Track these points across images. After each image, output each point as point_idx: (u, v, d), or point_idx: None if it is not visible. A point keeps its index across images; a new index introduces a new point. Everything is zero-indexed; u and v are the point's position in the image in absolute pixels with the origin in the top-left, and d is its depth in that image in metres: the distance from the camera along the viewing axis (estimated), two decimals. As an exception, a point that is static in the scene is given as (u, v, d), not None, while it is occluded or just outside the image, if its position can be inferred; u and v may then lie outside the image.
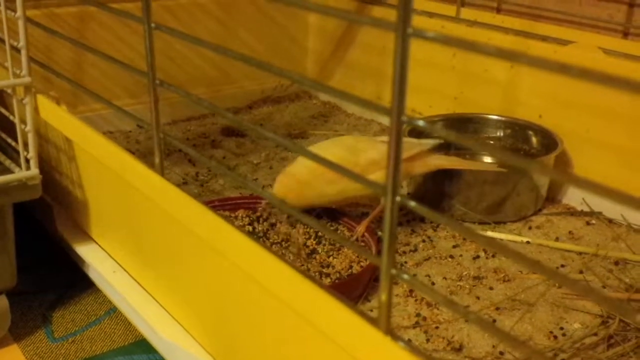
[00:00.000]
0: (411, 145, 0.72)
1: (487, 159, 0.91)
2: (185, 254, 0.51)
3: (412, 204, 0.31)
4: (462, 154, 0.91)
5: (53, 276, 0.76)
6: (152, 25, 0.46)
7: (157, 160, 0.49)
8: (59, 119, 0.60)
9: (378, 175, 0.66)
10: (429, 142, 0.73)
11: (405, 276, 0.32)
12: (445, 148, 0.91)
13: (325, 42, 1.19)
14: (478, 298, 0.65)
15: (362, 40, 1.12)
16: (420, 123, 0.32)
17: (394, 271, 0.31)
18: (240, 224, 0.72)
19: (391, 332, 0.32)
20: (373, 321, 0.32)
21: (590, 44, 0.83)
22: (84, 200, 0.66)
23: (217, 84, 1.13)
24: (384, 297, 0.32)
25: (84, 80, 0.98)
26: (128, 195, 0.57)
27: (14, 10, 0.56)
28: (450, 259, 0.71)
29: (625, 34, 0.83)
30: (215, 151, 0.98)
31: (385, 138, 0.73)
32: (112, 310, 0.70)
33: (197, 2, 1.07)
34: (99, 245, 0.67)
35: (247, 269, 0.41)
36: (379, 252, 0.64)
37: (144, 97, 1.04)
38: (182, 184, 0.86)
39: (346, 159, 0.67)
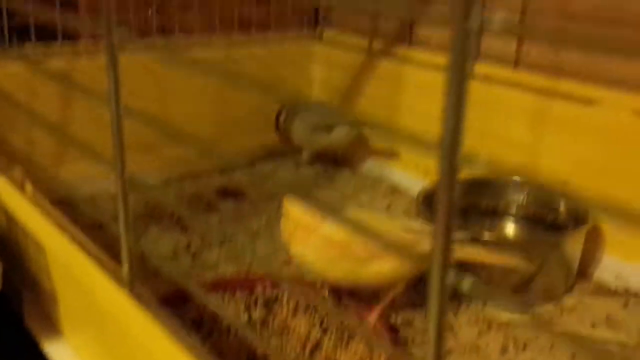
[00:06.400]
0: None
1: (511, 225, 0.83)
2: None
3: (468, 284, 0.24)
4: (483, 221, 0.83)
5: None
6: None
7: (125, 269, 0.40)
8: (19, 207, 0.52)
9: (393, 265, 0.58)
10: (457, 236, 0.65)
11: None
12: (463, 214, 0.83)
13: (330, 95, 1.12)
14: (509, 402, 0.56)
15: (369, 93, 1.06)
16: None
17: None
18: (235, 308, 0.63)
19: None
20: None
21: (620, 104, 0.76)
22: (52, 292, 0.57)
23: (216, 140, 1.06)
24: None
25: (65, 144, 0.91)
26: (93, 302, 0.48)
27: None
28: (475, 353, 0.62)
29: (660, 95, 0.76)
30: (210, 215, 0.90)
31: (402, 222, 0.65)
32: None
33: (197, 58, 1.01)
34: (68, 342, 0.59)
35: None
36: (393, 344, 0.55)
37: (134, 156, 0.98)
38: (172, 257, 0.78)
39: (357, 238, 0.59)
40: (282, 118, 1.04)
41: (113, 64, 0.38)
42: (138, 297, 0.39)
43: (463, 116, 0.23)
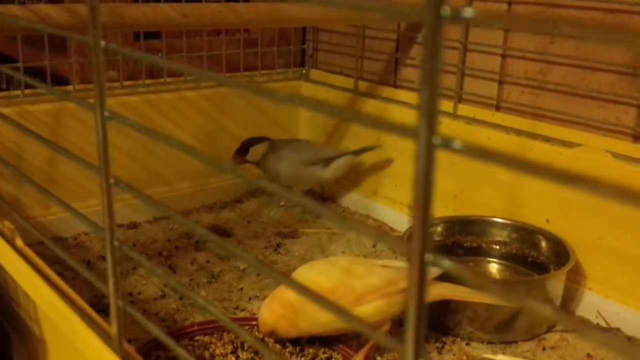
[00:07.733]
0: None
1: (494, 264, 0.85)
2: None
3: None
4: (466, 260, 0.85)
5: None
6: (106, 114, 0.38)
7: (114, 329, 0.40)
8: (9, 260, 0.52)
9: (378, 305, 0.59)
10: (434, 271, 0.66)
11: None
12: (446, 252, 0.85)
13: (316, 134, 1.14)
14: None
15: (355, 132, 1.08)
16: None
17: None
18: (222, 352, 0.64)
19: None
20: None
21: (598, 147, 0.79)
22: (41, 340, 0.58)
23: (204, 176, 1.07)
24: None
25: (59, 178, 0.92)
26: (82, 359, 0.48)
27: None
28: (459, 394, 0.63)
29: (636, 138, 0.79)
30: (198, 254, 0.90)
31: (383, 261, 0.66)
32: None
33: (183, 96, 1.03)
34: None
35: None
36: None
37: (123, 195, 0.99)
38: (160, 298, 0.78)
39: (343, 283, 0.60)
40: (259, 152, 1.02)
41: (101, 106, 0.38)
42: (126, 356, 0.39)
43: (433, 156, 0.24)
